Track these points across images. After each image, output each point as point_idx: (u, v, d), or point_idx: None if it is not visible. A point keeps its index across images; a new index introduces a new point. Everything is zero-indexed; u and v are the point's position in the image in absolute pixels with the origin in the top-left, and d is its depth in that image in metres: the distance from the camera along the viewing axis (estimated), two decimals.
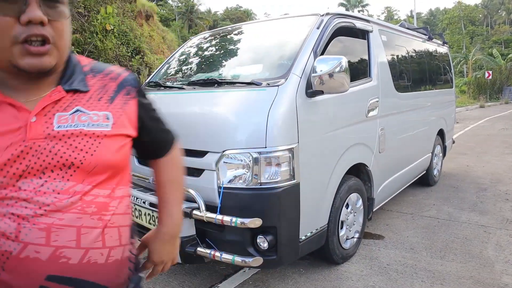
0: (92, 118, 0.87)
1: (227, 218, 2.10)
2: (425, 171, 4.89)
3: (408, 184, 4.45)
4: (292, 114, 2.24)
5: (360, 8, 63.15)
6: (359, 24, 3.07)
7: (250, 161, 2.17)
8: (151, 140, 1.06)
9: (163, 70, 3.41)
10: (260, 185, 2.18)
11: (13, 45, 0.76)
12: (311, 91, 2.36)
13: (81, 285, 0.84)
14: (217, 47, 3.27)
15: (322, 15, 2.70)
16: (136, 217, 2.64)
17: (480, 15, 56.22)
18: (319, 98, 2.44)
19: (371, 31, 3.27)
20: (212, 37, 3.47)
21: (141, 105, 0.98)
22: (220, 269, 2.95)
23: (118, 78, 0.95)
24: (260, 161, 2.15)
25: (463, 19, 48.67)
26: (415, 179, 4.61)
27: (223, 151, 2.24)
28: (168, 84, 3.01)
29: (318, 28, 2.59)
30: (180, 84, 2.86)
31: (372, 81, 3.16)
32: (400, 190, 4.17)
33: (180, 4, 57.70)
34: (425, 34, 4.93)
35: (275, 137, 2.17)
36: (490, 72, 27.08)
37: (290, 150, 2.22)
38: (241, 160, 2.19)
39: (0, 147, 0.78)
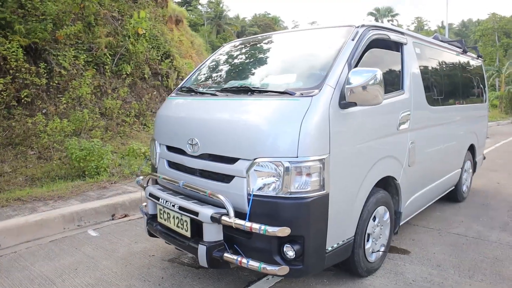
0: None
1: (256, 226, 2.12)
2: (453, 187, 4.77)
3: (436, 199, 4.35)
4: (324, 125, 2.26)
5: (390, 18, 62.33)
6: (393, 36, 3.05)
7: (281, 170, 2.19)
8: None
9: (195, 76, 3.48)
10: (290, 194, 2.19)
11: None
12: (344, 103, 2.37)
13: None
14: (248, 55, 3.32)
15: (358, 27, 2.71)
16: (165, 220, 2.71)
17: None
18: (351, 109, 2.44)
19: (406, 44, 3.24)
20: (244, 45, 3.52)
21: None
22: (244, 275, 2.97)
23: None
24: (291, 171, 2.17)
25: (497, 31, 47.24)
26: (443, 194, 4.51)
27: (254, 159, 2.27)
28: (201, 90, 3.07)
29: (353, 39, 2.60)
30: (213, 90, 2.92)
31: (404, 94, 3.13)
32: (427, 205, 4.09)
33: (209, 10, 58.53)
34: (459, 47, 4.83)
35: (307, 147, 2.18)
36: None
37: (321, 161, 2.23)
38: (272, 169, 2.22)
39: None
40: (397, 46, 3.20)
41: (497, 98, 30.03)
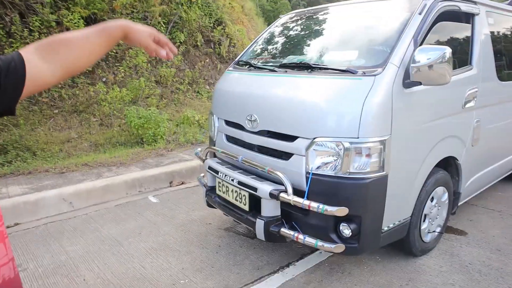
0: None
1: (314, 204, 2.17)
2: None
3: (500, 179, 4.14)
4: (387, 106, 2.20)
5: None
6: (464, 7, 2.84)
7: (340, 150, 2.20)
8: (7, 78, 0.82)
9: (251, 49, 3.49)
10: (349, 175, 2.21)
11: None
12: (408, 82, 2.29)
13: None
14: (306, 29, 3.25)
15: None
16: (223, 193, 2.83)
17: None
18: (415, 88, 2.35)
19: (478, 14, 3.01)
20: (301, 18, 3.45)
21: None
22: (297, 248, 3.07)
23: None
24: (351, 151, 2.17)
25: None
26: (507, 174, 4.27)
27: (314, 138, 2.28)
28: (259, 65, 3.09)
29: (420, 13, 2.46)
30: (271, 66, 2.92)
31: (472, 69, 2.94)
32: (489, 185, 3.91)
33: None
34: None
35: (368, 128, 2.16)
36: None
37: (382, 142, 2.20)
38: (332, 148, 2.23)
39: None
40: (467, 18, 2.98)
41: None
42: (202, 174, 3.52)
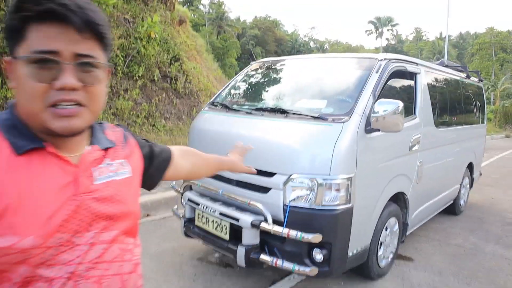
0: (118, 168, 0.92)
1: (292, 232, 2.48)
2: (452, 201, 5.16)
3: (437, 212, 4.73)
4: (353, 148, 2.62)
5: (390, 27, 63.08)
6: (409, 67, 3.43)
7: (314, 185, 2.55)
8: (158, 160, 1.13)
9: (225, 92, 3.83)
10: (322, 206, 2.55)
11: (45, 109, 0.76)
12: (369, 129, 2.74)
13: None
14: (277, 77, 3.68)
15: (380, 60, 3.08)
16: (203, 224, 3.05)
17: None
18: (374, 134, 2.81)
19: (419, 73, 3.62)
20: (272, 66, 3.88)
21: (140, 143, 1.08)
22: (268, 274, 3.32)
23: (119, 129, 1.04)
24: (324, 186, 2.53)
25: (494, 46, 48.17)
26: (443, 207, 4.90)
27: (291, 175, 2.62)
28: (235, 107, 3.42)
29: (377, 72, 2.97)
30: (248, 109, 3.27)
31: (416, 118, 3.50)
32: (430, 217, 4.47)
33: (211, 11, 58.80)
34: (462, 71, 5.23)
35: (338, 167, 2.55)
36: None
37: (349, 179, 2.60)
38: (307, 184, 2.57)
39: (56, 203, 0.77)
40: (411, 76, 3.58)
41: (492, 112, 30.70)
42: (176, 206, 3.69)
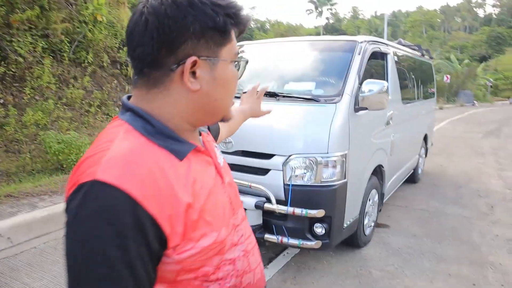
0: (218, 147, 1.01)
1: (298, 210, 2.62)
2: (413, 170, 5.62)
3: (402, 182, 5.15)
4: (346, 126, 2.79)
5: (329, 7, 64.55)
6: (382, 48, 3.65)
7: (313, 163, 2.69)
8: (214, 131, 1.25)
9: None
10: (321, 183, 2.71)
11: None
12: (357, 107, 2.92)
13: None
14: (261, 60, 3.73)
15: (361, 42, 3.25)
16: None
17: (439, 20, 59.50)
18: (361, 112, 3.00)
19: (389, 53, 3.87)
20: (253, 49, 3.92)
21: None
22: (263, 253, 3.46)
23: None
24: (323, 164, 2.69)
25: (424, 24, 51.42)
26: (407, 177, 5.33)
27: (290, 155, 2.74)
28: None
29: (359, 54, 3.14)
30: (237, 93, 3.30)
31: (389, 96, 3.76)
32: (397, 187, 4.85)
33: None
34: (417, 50, 5.62)
35: (334, 145, 2.70)
36: (449, 76, 29.09)
37: (344, 155, 2.77)
38: (306, 163, 2.71)
39: (221, 193, 0.84)
40: (382, 56, 3.81)
41: None
42: None
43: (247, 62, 0.87)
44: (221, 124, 1.34)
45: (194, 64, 0.73)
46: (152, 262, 0.67)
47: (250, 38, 50.31)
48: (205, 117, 0.81)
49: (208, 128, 1.12)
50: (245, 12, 0.78)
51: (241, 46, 3.99)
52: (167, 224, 0.66)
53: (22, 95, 7.63)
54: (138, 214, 0.62)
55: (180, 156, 0.75)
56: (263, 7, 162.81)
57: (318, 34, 57.75)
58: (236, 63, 0.81)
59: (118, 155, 0.67)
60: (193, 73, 0.74)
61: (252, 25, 69.63)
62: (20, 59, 7.76)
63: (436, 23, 51.68)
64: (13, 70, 7.68)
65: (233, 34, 0.78)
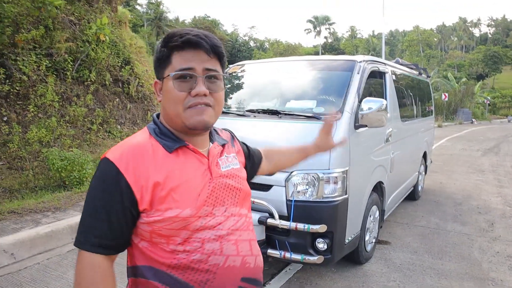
0: (232, 159, 1.19)
1: (300, 225, 2.66)
2: (413, 187, 5.67)
3: (402, 199, 5.19)
4: (346, 144, 2.86)
5: (327, 26, 65.69)
6: (381, 68, 3.76)
7: (315, 179, 2.75)
8: (253, 159, 1.42)
9: None
10: (323, 198, 2.76)
11: (184, 110, 1.03)
12: (357, 125, 3.00)
13: (256, 283, 1.14)
14: (262, 79, 3.84)
15: (360, 62, 3.36)
16: None
17: (435, 39, 60.57)
18: (361, 129, 3.08)
19: (387, 72, 3.97)
20: (253, 69, 4.03)
21: (241, 143, 1.37)
22: (265, 270, 3.48)
23: (226, 132, 1.31)
24: (324, 180, 2.75)
25: (421, 43, 52.25)
26: (407, 194, 5.37)
27: (292, 171, 2.80)
28: (224, 110, 3.53)
29: (358, 73, 3.24)
30: (239, 111, 3.39)
31: (388, 113, 3.84)
32: (398, 204, 4.90)
33: (149, 11, 57.23)
34: (414, 69, 5.76)
35: (335, 161, 2.77)
36: (447, 94, 29.39)
37: (345, 171, 2.83)
38: (308, 179, 2.77)
39: (201, 185, 1.04)
40: (381, 75, 3.92)
41: None
42: None
43: (180, 75, 1.03)
44: (267, 160, 1.49)
45: (158, 84, 1.11)
46: (125, 215, 0.98)
47: (249, 57, 50.96)
48: (172, 122, 1.07)
49: (248, 148, 1.40)
50: (181, 35, 1.03)
51: (243, 65, 4.11)
52: (138, 191, 0.97)
53: (26, 113, 7.73)
54: (119, 179, 0.97)
55: (169, 149, 1.04)
56: (262, 26, 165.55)
57: (316, 53, 58.60)
58: (180, 77, 1.03)
59: (123, 144, 1.05)
60: (161, 90, 1.09)
61: (251, 44, 70.66)
62: (24, 78, 7.89)
63: (433, 42, 52.63)
64: (17, 88, 7.79)
65: (176, 56, 1.04)
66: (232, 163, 1.18)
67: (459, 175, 8.29)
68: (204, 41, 1.03)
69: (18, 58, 8.13)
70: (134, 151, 1.01)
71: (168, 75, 1.04)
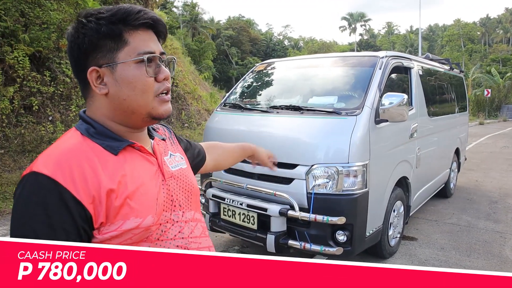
0: (179, 159, 1.08)
1: (319, 217, 2.75)
2: (444, 184, 5.56)
3: (432, 195, 5.11)
4: (366, 138, 2.91)
5: (363, 23, 64.46)
6: (405, 63, 3.75)
7: (335, 173, 2.83)
8: (194, 155, 1.31)
9: (235, 93, 4.06)
10: (343, 192, 2.83)
11: (153, 98, 0.91)
12: (378, 120, 3.03)
13: None
14: (286, 76, 3.94)
15: (382, 57, 3.38)
16: (229, 217, 3.28)
17: (478, 33, 57.81)
18: (382, 124, 3.11)
19: (412, 67, 3.95)
20: (277, 66, 4.14)
21: (179, 139, 1.23)
22: None
23: (163, 127, 1.17)
24: (344, 173, 2.81)
25: (462, 37, 50.07)
26: (437, 191, 5.28)
27: (312, 165, 2.89)
28: (249, 106, 3.66)
29: (380, 68, 3.27)
30: (263, 107, 3.52)
31: (413, 109, 3.83)
32: (426, 200, 4.83)
33: (184, 13, 58.48)
34: (445, 64, 5.63)
35: (354, 155, 2.83)
36: (489, 90, 28.03)
37: (364, 165, 2.89)
38: (328, 172, 2.85)
39: (156, 187, 0.93)
40: (406, 70, 3.91)
41: None
42: None
43: (149, 58, 0.89)
44: (209, 155, 1.39)
45: (97, 73, 0.88)
46: (79, 236, 0.79)
47: (284, 56, 50.92)
48: (126, 116, 0.91)
49: (191, 144, 1.31)
50: (139, 12, 0.88)
51: (272, 63, 4.22)
52: (89, 204, 0.80)
53: (69, 113, 8.25)
54: (61, 194, 0.77)
55: (114, 151, 0.88)
56: (297, 25, 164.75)
57: (352, 50, 57.64)
58: (142, 61, 0.88)
59: (53, 152, 0.84)
60: (103, 80, 0.88)
61: (286, 44, 70.54)
62: (67, 80, 8.40)
63: (475, 36, 50.23)
64: (61, 89, 8.32)
65: (132, 37, 0.88)
66: (180, 163, 1.07)
67: (497, 173, 7.97)
68: (159, 24, 0.93)
69: (62, 61, 8.66)
70: (74, 157, 0.83)
71: (129, 60, 0.87)
